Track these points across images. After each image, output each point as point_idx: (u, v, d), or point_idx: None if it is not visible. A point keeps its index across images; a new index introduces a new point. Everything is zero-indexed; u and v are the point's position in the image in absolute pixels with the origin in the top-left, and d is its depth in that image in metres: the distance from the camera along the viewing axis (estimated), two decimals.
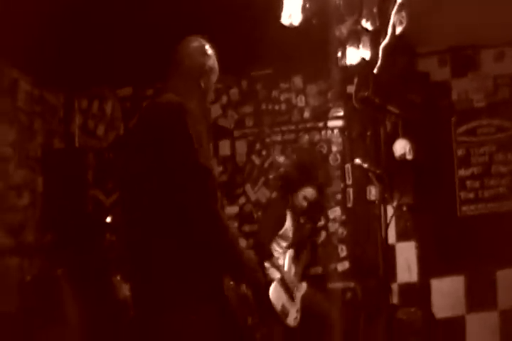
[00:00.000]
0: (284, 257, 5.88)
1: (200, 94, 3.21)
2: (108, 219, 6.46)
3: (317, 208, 6.33)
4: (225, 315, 2.88)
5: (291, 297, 5.72)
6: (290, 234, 6.00)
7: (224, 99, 6.89)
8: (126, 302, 5.61)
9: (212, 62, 3.29)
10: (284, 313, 5.61)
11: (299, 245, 6.07)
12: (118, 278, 5.70)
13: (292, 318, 5.67)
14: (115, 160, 7.07)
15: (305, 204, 6.05)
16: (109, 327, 5.55)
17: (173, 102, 3.05)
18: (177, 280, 2.84)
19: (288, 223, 6.00)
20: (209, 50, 3.30)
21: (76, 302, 5.72)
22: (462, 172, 6.47)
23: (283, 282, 5.71)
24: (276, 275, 5.76)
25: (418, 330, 5.48)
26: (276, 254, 5.86)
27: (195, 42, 3.30)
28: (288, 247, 5.95)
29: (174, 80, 3.26)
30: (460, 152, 6.52)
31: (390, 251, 6.26)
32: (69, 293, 5.74)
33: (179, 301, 2.83)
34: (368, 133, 6.37)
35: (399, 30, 5.37)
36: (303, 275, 6.05)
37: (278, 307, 5.60)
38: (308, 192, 6.04)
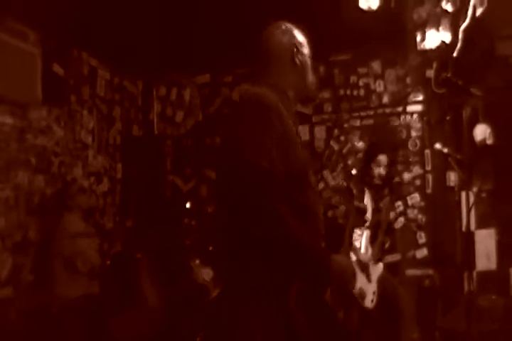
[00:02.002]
0: (360, 239, 5.82)
1: (297, 73, 3.16)
2: (187, 205, 6.53)
3: (390, 175, 6.23)
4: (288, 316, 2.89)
5: (368, 279, 5.67)
6: (369, 214, 5.93)
7: None
8: (205, 286, 5.67)
9: (301, 39, 3.23)
10: (361, 296, 5.57)
11: (375, 225, 6.00)
12: (197, 262, 5.75)
13: (369, 300, 5.62)
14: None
15: (380, 171, 5.89)
16: (187, 310, 5.61)
17: (258, 98, 2.93)
18: (250, 279, 2.80)
19: (366, 201, 5.93)
20: (296, 30, 3.24)
21: (155, 286, 5.80)
22: None
23: (360, 264, 5.66)
24: (352, 256, 5.71)
25: (499, 317, 5.38)
26: (355, 236, 5.80)
27: (281, 25, 3.25)
28: (366, 228, 5.89)
29: (267, 65, 3.20)
30: None
31: (470, 238, 6.17)
32: (148, 277, 5.82)
33: (251, 296, 2.80)
34: (448, 118, 6.27)
35: (479, 11, 5.27)
36: (379, 256, 5.99)
37: (356, 289, 5.55)
38: (381, 159, 5.90)
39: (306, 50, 3.23)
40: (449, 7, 5.26)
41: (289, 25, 3.24)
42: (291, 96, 3.12)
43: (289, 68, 3.15)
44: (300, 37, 3.20)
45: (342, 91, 6.86)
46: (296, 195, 2.88)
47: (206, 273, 5.70)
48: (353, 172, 6.03)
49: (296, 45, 3.17)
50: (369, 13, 5.53)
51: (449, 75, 3.76)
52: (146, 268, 5.88)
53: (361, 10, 5.56)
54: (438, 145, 4.96)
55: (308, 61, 3.22)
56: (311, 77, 3.26)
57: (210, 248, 5.90)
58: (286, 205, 2.77)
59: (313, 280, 2.87)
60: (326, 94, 6.84)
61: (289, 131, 2.96)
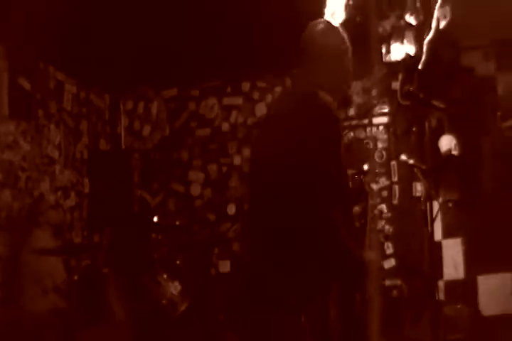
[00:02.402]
0: None
1: (338, 75, 3.09)
2: (154, 219, 6.51)
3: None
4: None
5: None
6: None
7: (269, 97, 6.89)
8: (173, 301, 5.65)
9: (345, 39, 3.14)
10: None
11: None
12: (165, 276, 5.73)
13: None
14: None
15: None
16: (155, 325, 5.59)
17: (314, 99, 2.94)
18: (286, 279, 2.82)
19: None
20: (339, 28, 3.19)
21: (123, 301, 5.77)
22: None
23: None
24: None
25: (464, 327, 5.43)
26: None
27: (324, 23, 3.20)
28: None
29: (307, 64, 3.16)
30: (507, 147, 6.45)
31: (436, 248, 6.21)
32: (116, 292, 5.78)
33: (283, 299, 2.83)
34: (414, 129, 6.33)
35: (443, 24, 5.34)
36: None
37: None
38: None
39: (350, 54, 3.13)
40: (412, 20, 5.32)
41: (329, 22, 3.19)
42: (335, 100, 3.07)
43: (336, 70, 3.07)
44: (346, 38, 3.12)
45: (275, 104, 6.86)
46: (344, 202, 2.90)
47: (174, 288, 5.68)
48: None
49: (345, 48, 3.10)
50: None
51: (411, 88, 3.80)
52: (114, 283, 5.84)
53: None
54: (403, 157, 5.00)
55: (350, 65, 3.13)
56: (350, 82, 3.24)
57: (178, 262, 5.89)
58: (340, 212, 2.78)
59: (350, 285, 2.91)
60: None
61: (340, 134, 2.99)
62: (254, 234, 3.05)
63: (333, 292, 2.94)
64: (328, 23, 3.21)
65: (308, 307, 2.86)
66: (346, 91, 3.24)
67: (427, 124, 5.75)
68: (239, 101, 6.98)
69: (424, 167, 4.81)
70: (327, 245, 2.78)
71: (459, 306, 5.76)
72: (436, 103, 3.73)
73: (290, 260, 2.82)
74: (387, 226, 6.54)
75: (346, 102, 3.27)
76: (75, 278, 6.01)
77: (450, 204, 6.29)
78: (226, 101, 7.01)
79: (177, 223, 6.61)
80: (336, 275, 2.86)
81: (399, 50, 5.62)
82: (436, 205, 5.17)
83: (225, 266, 6.72)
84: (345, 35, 3.14)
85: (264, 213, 2.94)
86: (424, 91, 5.15)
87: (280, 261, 2.84)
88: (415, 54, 5.55)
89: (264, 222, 2.95)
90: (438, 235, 6.26)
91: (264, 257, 2.92)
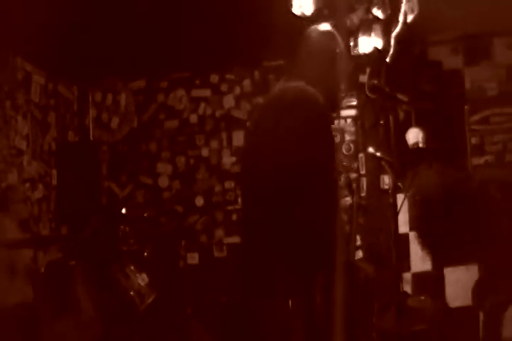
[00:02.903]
0: None
1: (329, 77, 3.24)
2: (123, 211, 6.49)
3: None
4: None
5: None
6: None
7: (237, 90, 6.90)
8: (140, 293, 5.65)
9: (341, 45, 3.35)
10: None
11: None
12: (132, 268, 5.72)
13: None
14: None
15: None
16: (122, 317, 5.58)
17: (298, 92, 3.10)
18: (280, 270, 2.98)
19: None
20: (336, 33, 3.35)
21: (90, 294, 5.76)
22: (476, 160, 6.46)
23: None
24: None
25: (428, 318, 5.48)
26: None
27: (322, 27, 3.36)
28: None
29: (300, 64, 3.31)
30: (474, 140, 6.51)
31: (404, 240, 6.27)
32: (83, 285, 5.77)
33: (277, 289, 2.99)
34: (381, 122, 6.36)
35: (410, 18, 5.36)
36: None
37: None
38: None
39: (345, 58, 3.36)
40: (380, 14, 5.33)
41: (330, 27, 3.35)
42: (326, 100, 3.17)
43: (329, 72, 3.25)
44: (341, 43, 3.33)
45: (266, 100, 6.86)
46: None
47: (141, 280, 5.68)
48: None
49: (339, 52, 3.30)
50: (303, 18, 5.58)
51: (376, 82, 3.83)
52: (81, 276, 5.83)
53: (295, 16, 5.59)
54: (371, 149, 5.03)
55: (345, 68, 3.37)
56: (342, 86, 3.36)
57: (145, 254, 5.89)
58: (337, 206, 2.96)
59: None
60: (261, 100, 6.84)
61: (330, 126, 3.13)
62: (248, 226, 3.18)
63: (320, 279, 3.03)
64: (325, 29, 3.37)
65: (296, 293, 2.99)
66: (337, 95, 3.38)
67: (394, 117, 5.80)
68: (207, 93, 6.98)
69: (391, 159, 4.83)
70: (321, 234, 2.93)
71: (422, 297, 5.81)
72: (400, 96, 3.75)
73: (281, 248, 2.96)
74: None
75: (334, 105, 3.37)
76: (42, 270, 6.00)
77: (417, 197, 6.33)
78: (194, 93, 7.01)
79: (145, 215, 6.60)
80: (323, 263, 2.97)
81: (367, 44, 5.62)
82: (402, 198, 5.20)
83: (193, 258, 6.73)
84: (340, 41, 3.35)
85: (259, 205, 3.07)
86: (391, 85, 5.20)
87: (272, 249, 2.98)
88: (383, 47, 5.56)
89: (258, 213, 3.07)
90: (406, 227, 6.32)
91: (257, 245, 3.06)
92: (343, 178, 6.53)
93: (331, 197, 2.98)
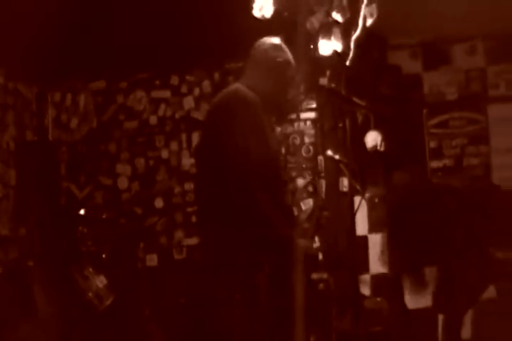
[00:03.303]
0: None
1: (272, 84, 3.48)
2: (81, 212, 6.46)
3: None
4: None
5: None
6: None
7: (197, 91, 6.89)
8: (98, 295, 5.63)
9: (287, 56, 3.60)
10: None
11: None
12: (90, 270, 5.70)
13: None
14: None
15: None
16: (80, 318, 5.56)
17: (235, 93, 3.34)
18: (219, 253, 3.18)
19: None
20: (283, 46, 3.63)
21: (48, 295, 5.72)
22: (434, 164, 6.53)
23: None
24: None
25: (384, 319, 5.53)
26: None
27: (270, 40, 3.65)
28: None
29: (246, 73, 3.60)
30: (432, 144, 6.58)
31: (363, 242, 6.32)
32: (41, 286, 5.73)
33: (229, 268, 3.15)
34: (340, 125, 6.40)
35: (369, 22, 5.41)
36: None
37: None
38: None
39: (289, 69, 3.59)
40: (339, 17, 5.37)
41: (278, 40, 3.64)
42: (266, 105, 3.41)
43: (270, 80, 3.49)
44: (286, 54, 3.58)
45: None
46: (272, 185, 3.23)
47: (100, 281, 5.66)
48: None
49: (278, 62, 3.53)
50: (263, 21, 5.60)
51: (332, 85, 3.88)
52: (39, 277, 5.79)
53: (255, 18, 5.61)
54: (329, 152, 5.06)
55: (290, 80, 3.60)
56: (287, 94, 3.53)
57: (104, 255, 5.87)
58: (267, 195, 3.10)
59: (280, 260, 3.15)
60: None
61: (267, 128, 3.33)
62: (201, 223, 3.45)
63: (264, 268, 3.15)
64: (276, 40, 3.65)
65: (242, 282, 3.15)
66: (283, 104, 3.65)
67: (352, 120, 5.85)
68: (167, 94, 6.96)
69: (349, 162, 4.87)
70: (251, 221, 3.12)
71: (378, 299, 5.86)
72: (356, 100, 3.80)
73: (226, 236, 3.16)
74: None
75: (281, 115, 3.62)
76: (0, 271, 5.95)
77: (376, 200, 6.38)
78: (154, 94, 6.98)
79: (104, 216, 6.57)
80: (264, 251, 3.14)
81: (326, 47, 5.66)
82: (360, 200, 5.24)
83: (152, 260, 6.70)
84: (287, 51, 3.62)
85: (206, 204, 3.33)
86: (351, 88, 5.24)
87: (219, 238, 3.20)
88: (342, 51, 5.60)
89: (207, 204, 3.32)
90: (365, 230, 6.36)
91: (209, 234, 3.31)
92: (302, 180, 6.58)
93: (272, 192, 3.19)
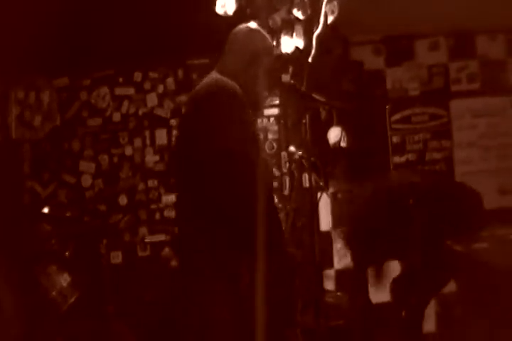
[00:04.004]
0: None
1: (251, 71, 3.40)
2: (44, 210, 6.42)
3: None
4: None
5: None
6: None
7: (160, 88, 6.88)
8: (62, 293, 5.61)
9: (266, 41, 3.49)
10: None
11: None
12: (54, 268, 5.68)
13: None
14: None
15: None
16: (44, 317, 5.53)
17: (210, 80, 3.28)
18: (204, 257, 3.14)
19: None
20: (262, 31, 3.52)
21: (11, 294, 5.69)
22: (397, 159, 6.59)
23: None
24: None
25: (344, 313, 5.57)
26: None
27: (248, 25, 3.54)
28: None
29: (224, 60, 3.50)
30: (395, 139, 6.63)
31: (327, 237, 6.35)
32: (3, 285, 5.70)
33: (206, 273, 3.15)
34: (304, 121, 6.43)
35: (331, 19, 5.44)
36: None
37: None
38: None
39: (268, 57, 3.50)
40: (300, 15, 5.40)
41: (257, 27, 3.53)
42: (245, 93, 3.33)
43: (250, 66, 3.40)
44: (266, 41, 3.37)
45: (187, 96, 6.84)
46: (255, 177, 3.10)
47: (63, 279, 5.64)
48: None
49: (257, 50, 3.43)
50: (226, 18, 5.61)
51: (291, 81, 3.89)
52: (2, 275, 5.75)
53: (218, 15, 5.63)
54: (292, 148, 5.09)
55: (269, 67, 3.52)
56: (267, 81, 3.45)
57: (67, 253, 5.84)
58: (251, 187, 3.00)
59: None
60: (184, 98, 6.81)
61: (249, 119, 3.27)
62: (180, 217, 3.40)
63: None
64: (255, 26, 3.56)
65: (225, 274, 3.15)
66: (260, 94, 3.56)
67: (315, 116, 5.88)
68: (131, 91, 6.94)
69: (312, 158, 4.90)
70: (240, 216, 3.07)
71: (339, 293, 5.91)
72: (316, 96, 3.82)
73: (208, 236, 3.15)
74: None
75: (256, 105, 3.51)
76: None
77: (339, 195, 6.41)
78: (118, 91, 6.95)
79: (68, 214, 6.53)
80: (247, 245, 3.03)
81: (289, 43, 5.69)
82: (321, 195, 5.28)
83: (116, 257, 6.69)
84: (268, 39, 3.55)
85: (186, 197, 3.29)
86: (313, 84, 5.27)
87: (201, 234, 3.17)
88: (304, 47, 5.63)
89: (187, 203, 3.28)
90: (328, 225, 6.39)
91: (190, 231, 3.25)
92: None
93: (253, 186, 3.03)
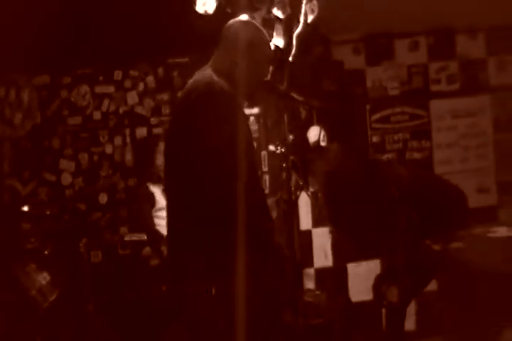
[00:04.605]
0: None
1: (247, 66, 3.35)
2: (25, 208, 6.41)
3: None
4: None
5: None
6: None
7: (140, 86, 6.87)
8: (42, 292, 5.60)
9: (260, 34, 3.43)
10: None
11: None
12: (33, 266, 5.67)
13: None
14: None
15: None
16: (23, 316, 5.52)
17: (205, 82, 3.26)
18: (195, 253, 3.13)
19: None
20: (255, 24, 3.50)
21: None
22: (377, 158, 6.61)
23: None
24: None
25: (323, 312, 5.59)
26: None
27: (240, 19, 3.55)
28: None
29: (216, 55, 3.49)
30: (375, 139, 6.66)
31: (307, 236, 6.36)
32: None
33: (196, 272, 3.13)
34: (284, 120, 6.43)
35: (311, 18, 5.46)
36: None
37: None
38: None
39: (260, 50, 3.43)
40: (280, 14, 5.42)
41: (250, 20, 3.58)
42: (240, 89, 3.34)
43: (245, 61, 3.35)
44: (264, 37, 3.42)
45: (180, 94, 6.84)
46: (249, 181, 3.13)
47: (43, 278, 5.63)
48: None
49: (249, 43, 3.37)
50: (206, 16, 5.62)
51: (269, 80, 3.90)
52: None
53: (198, 14, 5.64)
54: (272, 147, 5.10)
55: (262, 61, 3.45)
56: (263, 75, 3.40)
57: (46, 252, 5.83)
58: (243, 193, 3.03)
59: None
60: (164, 97, 6.88)
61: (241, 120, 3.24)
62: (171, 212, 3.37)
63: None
64: (248, 20, 3.62)
65: (218, 278, 3.13)
66: (255, 88, 3.55)
67: (295, 116, 5.90)
68: (111, 89, 6.93)
69: (292, 158, 4.91)
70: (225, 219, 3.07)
71: (318, 292, 5.93)
72: (295, 95, 3.83)
73: (199, 234, 3.14)
74: None
75: (252, 99, 3.53)
76: None
77: (319, 194, 6.43)
78: (98, 89, 6.94)
79: (47, 212, 6.52)
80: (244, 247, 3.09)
81: None
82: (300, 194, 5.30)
83: (96, 256, 6.68)
84: (265, 35, 3.48)
85: (178, 192, 3.28)
86: (293, 83, 5.28)
87: (191, 236, 3.17)
88: (285, 46, 5.65)
89: (177, 201, 3.29)
90: (308, 224, 6.41)
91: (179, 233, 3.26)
92: None
93: (249, 190, 3.09)
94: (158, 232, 5.93)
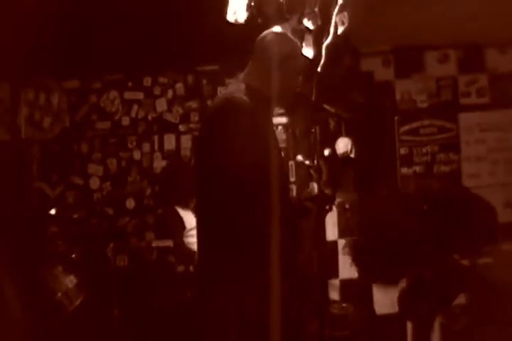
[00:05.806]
0: None
1: (280, 78, 3.32)
2: (52, 212, 6.45)
3: None
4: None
5: None
6: None
7: (169, 93, 6.91)
8: (68, 295, 5.62)
9: (293, 45, 3.45)
10: None
11: None
12: (60, 269, 5.69)
13: None
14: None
15: None
16: (49, 318, 5.55)
17: (224, 98, 3.28)
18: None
19: None
20: (288, 35, 3.52)
21: (17, 295, 5.69)
22: (405, 170, 6.59)
23: None
24: None
25: (350, 324, 5.57)
26: None
27: (272, 30, 3.54)
28: None
29: (249, 68, 3.46)
30: (403, 151, 6.63)
31: (332, 247, 6.34)
32: (10, 287, 5.71)
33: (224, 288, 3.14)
34: (312, 131, 6.44)
35: (341, 29, 5.46)
36: None
37: None
38: None
39: (293, 61, 3.44)
40: (310, 25, 5.43)
41: (288, 35, 3.51)
42: (271, 100, 3.36)
43: (277, 73, 3.32)
44: (290, 46, 3.43)
45: (209, 101, 6.83)
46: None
47: (69, 281, 5.65)
48: None
49: (288, 52, 3.39)
50: (237, 25, 5.64)
51: (301, 91, 3.90)
52: (8, 276, 5.76)
53: (229, 23, 5.66)
54: (299, 157, 5.10)
55: (295, 72, 3.46)
56: (297, 86, 3.47)
57: (74, 255, 5.86)
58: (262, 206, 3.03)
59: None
60: (193, 104, 6.93)
61: (264, 132, 3.22)
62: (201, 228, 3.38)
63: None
64: (281, 31, 3.61)
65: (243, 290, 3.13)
66: (289, 100, 3.55)
67: (324, 127, 5.90)
68: (140, 95, 6.97)
69: (319, 167, 4.90)
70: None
71: (344, 305, 5.90)
72: (326, 106, 3.83)
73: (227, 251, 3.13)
74: None
75: (291, 107, 3.55)
76: None
77: (347, 205, 6.41)
78: (127, 95, 6.99)
79: (75, 216, 6.56)
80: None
81: None
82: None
83: (122, 260, 6.71)
84: (298, 46, 3.53)
85: (205, 209, 3.29)
86: (322, 95, 5.28)
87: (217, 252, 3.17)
88: (314, 57, 5.65)
89: (206, 217, 3.29)
90: (335, 235, 6.39)
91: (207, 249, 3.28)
92: None
93: (268, 202, 3.07)
94: (190, 250, 5.91)
